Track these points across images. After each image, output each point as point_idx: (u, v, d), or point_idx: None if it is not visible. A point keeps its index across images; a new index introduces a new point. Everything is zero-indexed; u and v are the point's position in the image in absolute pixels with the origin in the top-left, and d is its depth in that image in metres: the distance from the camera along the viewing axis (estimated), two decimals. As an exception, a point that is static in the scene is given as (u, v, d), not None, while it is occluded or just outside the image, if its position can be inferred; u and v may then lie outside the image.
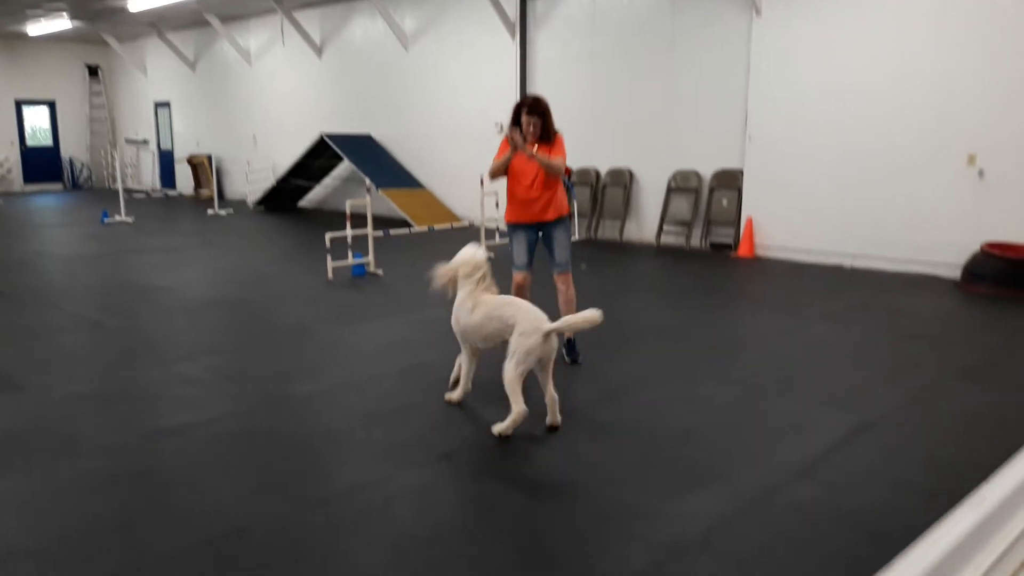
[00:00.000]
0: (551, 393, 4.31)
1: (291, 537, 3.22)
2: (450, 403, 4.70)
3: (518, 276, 5.62)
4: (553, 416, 4.32)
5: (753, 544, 3.13)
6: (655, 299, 8.23)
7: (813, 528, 3.26)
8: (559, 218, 5.57)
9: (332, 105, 16.43)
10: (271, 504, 3.49)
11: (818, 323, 6.83)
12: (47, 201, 19.19)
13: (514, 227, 5.61)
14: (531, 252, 5.62)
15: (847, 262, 9.57)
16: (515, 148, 5.36)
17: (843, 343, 6.22)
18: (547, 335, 4.19)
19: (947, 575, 1.54)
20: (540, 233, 5.61)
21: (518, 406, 4.13)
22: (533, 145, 5.39)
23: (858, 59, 9.25)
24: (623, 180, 11.95)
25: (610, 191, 12.12)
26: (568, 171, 12.52)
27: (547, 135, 5.41)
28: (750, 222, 10.37)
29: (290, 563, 3.03)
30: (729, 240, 10.86)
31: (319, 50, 16.46)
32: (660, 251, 11.12)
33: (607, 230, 12.27)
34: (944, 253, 8.77)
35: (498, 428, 4.19)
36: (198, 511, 3.43)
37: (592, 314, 4.15)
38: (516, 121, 5.40)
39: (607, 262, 10.28)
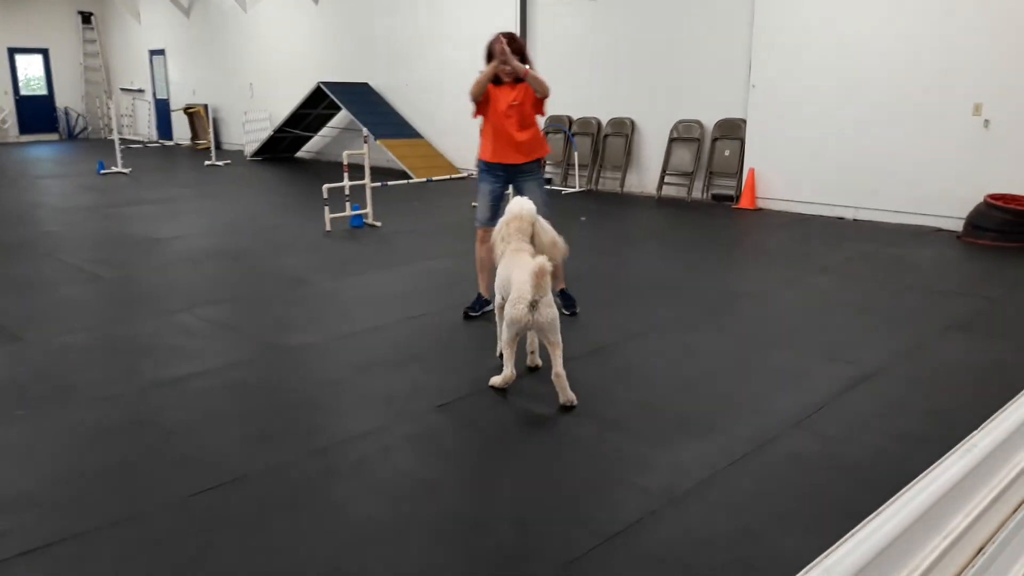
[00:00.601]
0: (556, 369, 3.94)
1: (289, 485, 3.25)
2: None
3: (481, 232, 5.30)
4: (564, 394, 3.96)
5: (747, 493, 3.15)
6: (655, 251, 8.20)
7: (808, 478, 3.28)
8: (536, 160, 5.37)
9: (329, 53, 16.19)
10: (270, 453, 3.51)
11: (819, 275, 6.81)
12: (43, 152, 19.02)
13: (486, 169, 5.38)
14: (496, 205, 5.30)
15: (849, 214, 9.51)
16: (504, 70, 5.10)
17: (843, 295, 6.21)
18: (532, 305, 3.85)
19: (937, 521, 1.54)
20: (510, 184, 5.38)
21: (507, 369, 4.11)
22: (514, 85, 5.18)
23: (863, 6, 9.06)
24: (624, 130, 11.82)
25: (611, 141, 11.99)
26: (569, 121, 12.41)
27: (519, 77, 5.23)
28: (752, 173, 10.28)
29: (288, 511, 3.05)
30: (731, 191, 10.78)
31: (316, -3, 16.16)
32: (661, 203, 11.05)
33: (608, 182, 12.18)
34: (947, 205, 8.70)
35: (492, 381, 4.19)
36: (197, 460, 3.45)
37: (553, 253, 4.25)
38: (488, 59, 5.22)
39: (607, 214, 10.22)
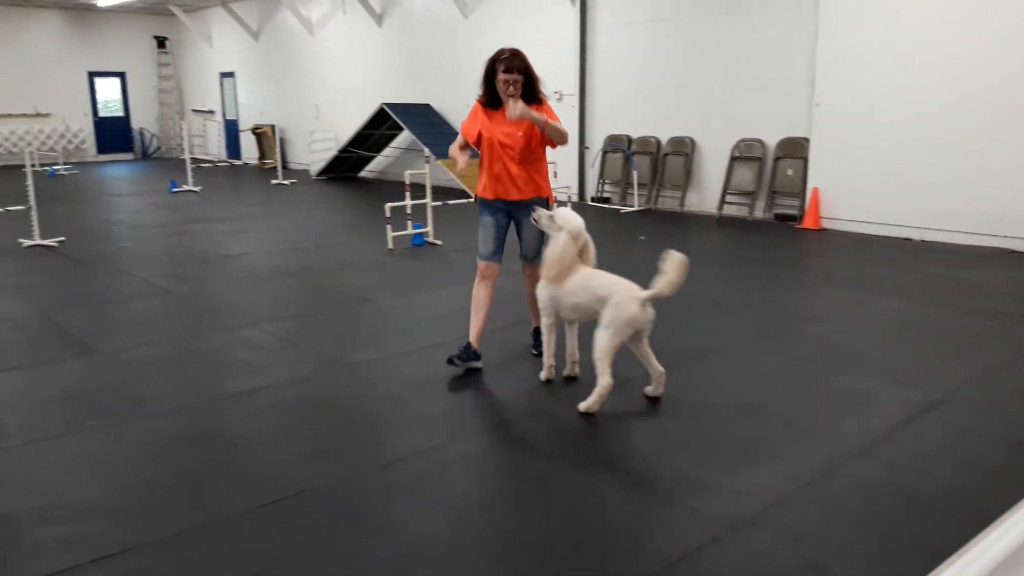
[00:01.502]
0: (657, 367, 4.29)
1: (349, 501, 3.28)
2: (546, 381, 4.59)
3: (482, 266, 4.86)
4: (658, 387, 4.32)
5: (811, 522, 3.07)
6: (716, 271, 8.09)
7: (875, 507, 3.19)
8: (536, 198, 4.76)
9: (392, 74, 16.47)
10: (330, 468, 3.56)
11: (885, 297, 6.63)
12: (119, 170, 19.75)
13: (484, 204, 4.86)
14: (500, 238, 4.84)
15: (917, 235, 9.25)
16: (507, 111, 4.55)
17: (911, 318, 6.03)
18: (644, 303, 4.13)
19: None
20: (512, 217, 4.86)
21: (605, 378, 4.07)
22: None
23: (930, 22, 8.85)
24: (684, 149, 11.74)
25: (671, 160, 11.92)
26: (628, 140, 12.37)
27: (532, 96, 4.53)
28: (816, 192, 10.09)
29: (348, 526, 3.08)
30: (794, 211, 10.59)
31: (379, 19, 16.48)
32: (722, 222, 10.92)
33: (667, 200, 12.09)
34: (1021, 226, 8.40)
35: (584, 405, 4.12)
36: (260, 474, 3.52)
37: (680, 257, 4.06)
38: (489, 81, 4.59)
39: (667, 233, 10.14)
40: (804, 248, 9.13)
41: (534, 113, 4.41)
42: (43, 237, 9.15)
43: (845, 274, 7.72)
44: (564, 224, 4.33)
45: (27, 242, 9.07)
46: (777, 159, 10.67)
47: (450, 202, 10.95)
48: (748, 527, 3.03)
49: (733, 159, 11.13)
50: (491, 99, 4.65)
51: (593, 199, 12.93)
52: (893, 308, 6.31)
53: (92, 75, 22.20)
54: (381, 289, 7.04)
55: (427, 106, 15.52)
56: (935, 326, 5.81)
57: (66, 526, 3.08)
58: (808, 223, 10.11)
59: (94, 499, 3.30)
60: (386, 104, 14.79)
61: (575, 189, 12.89)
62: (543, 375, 4.61)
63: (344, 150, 16.36)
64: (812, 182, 10.18)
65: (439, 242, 9.17)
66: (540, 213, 4.44)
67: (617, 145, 12.48)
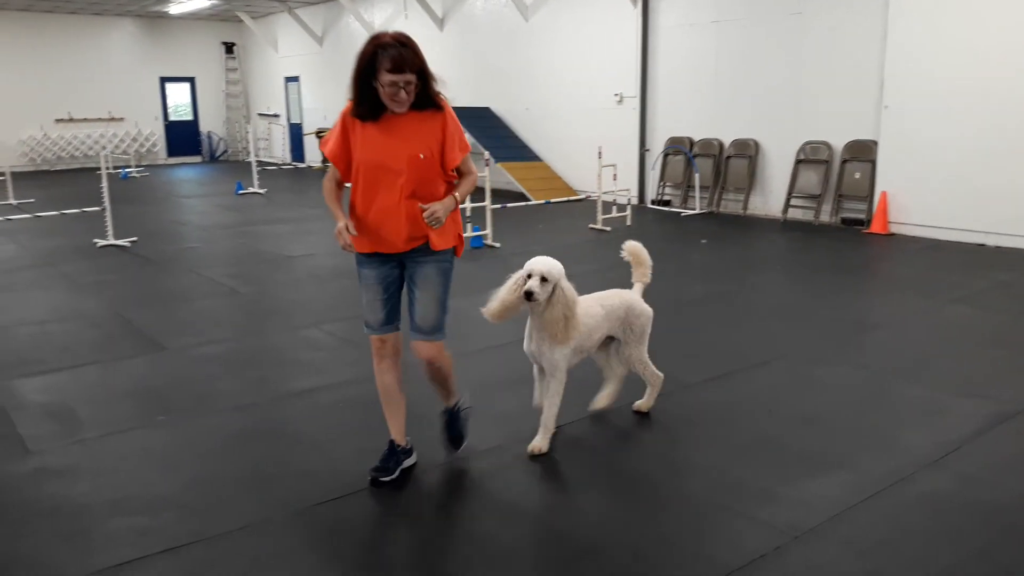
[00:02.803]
0: (634, 373, 4.15)
1: (408, 499, 3.33)
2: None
3: (375, 342, 3.51)
4: (608, 399, 4.16)
5: (878, 534, 2.99)
6: (780, 276, 7.96)
7: (945, 521, 3.09)
8: (443, 252, 3.39)
9: (453, 78, 16.53)
10: (390, 467, 3.60)
11: (955, 305, 6.42)
12: (187, 173, 20.32)
13: (361, 259, 3.45)
14: (393, 298, 3.48)
15: (990, 240, 8.93)
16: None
17: (982, 327, 5.83)
18: None
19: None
20: (404, 268, 3.45)
21: (657, 375, 4.13)
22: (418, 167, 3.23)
23: (1003, 22, 8.54)
24: (748, 151, 11.56)
25: (734, 163, 11.75)
26: (689, 142, 12.24)
27: (427, 100, 3.28)
28: (884, 196, 9.83)
29: (407, 524, 3.13)
30: (861, 215, 10.33)
31: (440, 22, 16.64)
32: (787, 226, 10.72)
33: (730, 204, 11.93)
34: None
35: (644, 405, 4.17)
36: (322, 470, 3.58)
37: (636, 244, 4.12)
38: (365, 82, 3.21)
39: (729, 237, 10.00)
40: (871, 253, 8.91)
41: (449, 203, 3.26)
42: (116, 237, 9.47)
43: (914, 280, 7.51)
44: (560, 275, 3.57)
45: (101, 242, 9.40)
46: (844, 162, 10.43)
47: (509, 205, 11.00)
48: (812, 537, 2.97)
49: (798, 162, 10.92)
50: (368, 107, 3.24)
51: (653, 202, 12.83)
52: (963, 316, 6.11)
53: (163, 80, 22.89)
54: (440, 291, 7.09)
55: (487, 109, 15.61)
56: (1008, 335, 5.61)
57: (138, 517, 3.19)
58: (876, 227, 9.86)
59: (164, 492, 3.41)
60: (446, 107, 14.92)
61: (635, 192, 12.81)
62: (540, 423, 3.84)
63: (405, 153, 16.55)
64: (880, 186, 9.92)
65: (497, 244, 9.21)
66: (532, 287, 3.47)
67: (679, 147, 12.36)
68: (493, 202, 9.47)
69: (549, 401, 3.73)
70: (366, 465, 3.59)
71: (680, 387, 4.53)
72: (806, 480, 3.43)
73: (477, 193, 9.42)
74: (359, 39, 19.16)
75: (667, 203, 12.63)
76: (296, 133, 22.59)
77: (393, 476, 3.45)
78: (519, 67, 15.04)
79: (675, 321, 6.12)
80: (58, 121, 20.83)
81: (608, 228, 10.26)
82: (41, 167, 20.52)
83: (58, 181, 17.48)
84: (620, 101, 13.15)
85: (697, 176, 11.79)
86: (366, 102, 3.24)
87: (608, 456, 3.75)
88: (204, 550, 2.95)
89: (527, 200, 12.92)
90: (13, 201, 12.96)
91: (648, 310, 4.08)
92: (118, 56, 21.69)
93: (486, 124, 15.10)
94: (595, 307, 3.87)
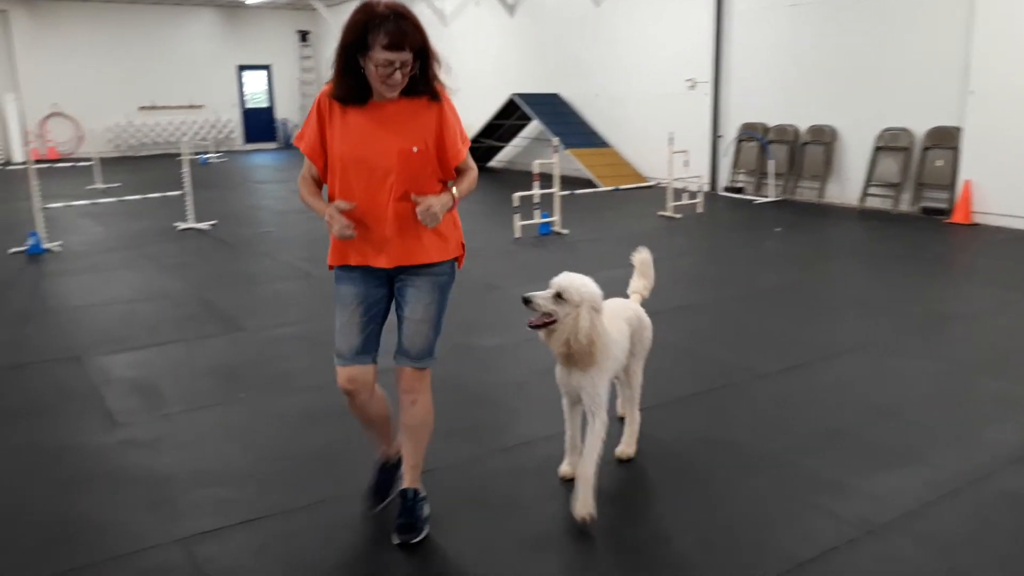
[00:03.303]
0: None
1: (476, 481, 3.38)
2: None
3: (344, 376, 2.91)
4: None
5: (957, 531, 2.91)
6: (856, 266, 7.75)
7: (1028, 520, 2.99)
8: (441, 263, 2.95)
9: (522, 64, 16.60)
10: (458, 448, 3.66)
11: (1045, 298, 6.17)
12: (263, 159, 20.83)
13: (340, 275, 2.93)
14: (372, 322, 2.91)
15: (1084, 231, 8.54)
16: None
17: (1075, 321, 5.59)
18: None
19: None
20: (391, 286, 2.93)
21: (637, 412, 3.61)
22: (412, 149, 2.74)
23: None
24: (825, 138, 11.26)
25: (810, 149, 11.47)
26: (764, 128, 11.99)
27: (424, 86, 2.74)
28: (968, 185, 9.47)
29: (476, 505, 3.18)
30: (943, 204, 9.97)
31: (511, 9, 16.63)
32: (864, 214, 10.42)
33: (805, 191, 11.65)
34: None
35: (626, 450, 3.59)
36: (393, 450, 3.66)
37: (647, 257, 3.72)
38: (350, 61, 2.68)
39: (804, 225, 9.78)
40: (953, 244, 8.60)
41: (446, 199, 2.84)
42: (196, 221, 9.79)
43: (997, 272, 7.23)
44: (582, 299, 2.99)
45: (182, 225, 9.73)
46: (925, 149, 10.07)
47: (577, 192, 10.97)
48: (886, 531, 2.91)
49: (877, 149, 10.59)
50: (353, 90, 2.71)
51: (726, 189, 12.62)
52: (1053, 310, 5.87)
53: (240, 68, 23.47)
54: (508, 276, 7.14)
55: (556, 96, 15.56)
56: (1102, 330, 5.36)
57: (219, 489, 3.32)
58: (958, 217, 9.51)
59: (243, 466, 3.54)
60: (516, 95, 14.93)
61: (707, 179, 12.62)
62: (565, 468, 3.36)
63: (474, 140, 16.64)
64: (964, 174, 9.56)
65: (565, 231, 9.20)
66: (538, 303, 3.00)
67: (752, 134, 12.12)
68: (562, 189, 9.46)
69: (590, 445, 3.03)
70: (438, 447, 3.64)
71: (752, 377, 4.47)
72: (881, 474, 3.35)
73: (545, 180, 9.44)
74: (431, 26, 19.18)
75: (740, 190, 12.41)
76: (368, 120, 22.91)
77: (382, 505, 3.08)
78: (589, 53, 14.94)
79: (748, 310, 6.04)
80: (142, 109, 21.58)
81: (678, 215, 10.14)
82: (126, 153, 21.30)
83: (142, 166, 18.13)
84: (692, 86, 12.96)
85: (771, 163, 11.55)
86: (351, 83, 2.70)
87: (675, 445, 3.74)
88: (280, 523, 3.05)
89: (595, 187, 12.86)
90: (100, 185, 13.51)
91: (648, 321, 3.61)
92: (198, 45, 22.32)
93: (555, 111, 15.07)
94: (621, 324, 3.33)
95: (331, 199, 2.79)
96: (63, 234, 9.11)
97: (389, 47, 2.58)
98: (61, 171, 15.91)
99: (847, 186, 11.12)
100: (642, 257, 3.79)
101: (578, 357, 2.96)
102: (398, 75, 2.62)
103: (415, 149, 2.74)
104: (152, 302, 6.41)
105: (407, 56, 2.61)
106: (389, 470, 3.17)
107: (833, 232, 9.49)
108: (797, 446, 3.65)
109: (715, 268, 7.71)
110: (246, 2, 21.34)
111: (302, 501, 3.21)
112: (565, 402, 3.27)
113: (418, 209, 2.70)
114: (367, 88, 2.70)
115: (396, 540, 2.89)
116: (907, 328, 5.47)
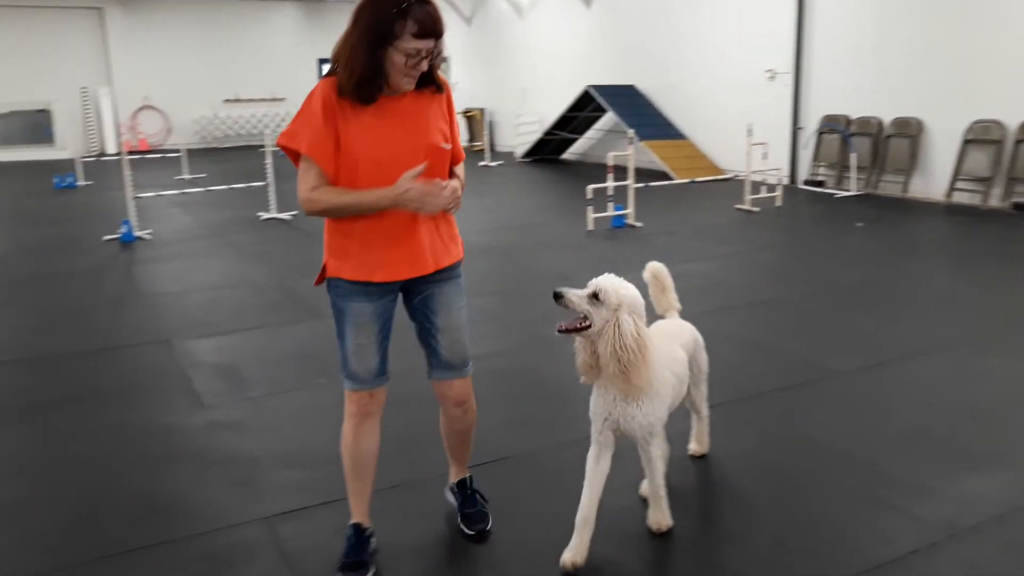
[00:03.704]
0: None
1: (548, 470, 3.41)
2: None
3: (360, 399, 2.81)
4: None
5: (1047, 538, 2.81)
6: (941, 262, 7.49)
7: (1126, 530, 2.87)
8: (453, 264, 2.78)
9: (597, 56, 16.51)
10: (530, 438, 3.71)
11: None
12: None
13: (355, 290, 2.66)
14: (386, 343, 2.84)
15: None
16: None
17: None
18: None
19: None
20: (410, 298, 2.81)
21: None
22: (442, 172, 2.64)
23: None
24: (910, 130, 10.89)
25: (894, 142, 11.10)
26: (847, 121, 11.65)
27: (429, 76, 2.58)
28: (1066, 179, 9.03)
29: (547, 493, 3.22)
30: (1037, 200, 9.55)
31: (588, 0, 16.54)
32: (950, 210, 10.04)
33: (888, 186, 11.29)
34: None
35: (700, 447, 3.55)
36: (467, 438, 3.72)
37: (660, 266, 3.35)
38: (373, 49, 2.40)
39: (887, 220, 9.48)
40: (1048, 241, 8.23)
41: (457, 184, 2.64)
42: (278, 211, 10.07)
43: (1098, 271, 6.89)
44: (620, 302, 2.64)
45: (264, 215, 10.03)
46: (1018, 142, 9.64)
47: (652, 184, 10.88)
48: (970, 535, 2.83)
49: (966, 142, 10.19)
50: (372, 85, 2.47)
51: (806, 182, 12.33)
52: None
53: (321, 62, 23.96)
54: (581, 269, 7.14)
55: (631, 87, 15.43)
56: None
57: (300, 471, 3.44)
58: (1054, 213, 9.09)
59: (323, 449, 3.64)
60: (591, 86, 14.86)
61: (787, 171, 12.34)
62: (568, 557, 2.75)
63: (548, 132, 16.64)
64: (1062, 167, 9.12)
65: (639, 224, 9.14)
66: (570, 298, 2.62)
67: (834, 126, 11.79)
68: (636, 181, 9.39)
69: (654, 467, 2.84)
70: (510, 436, 3.69)
71: (833, 375, 4.39)
72: (966, 476, 3.25)
73: (620, 172, 9.39)
74: (507, 19, 19.42)
75: (820, 184, 12.10)
76: (443, 112, 23.15)
77: (372, 572, 2.70)
78: (666, 44, 14.77)
79: (828, 307, 5.91)
80: (226, 101, 22.26)
81: (756, 208, 9.96)
82: (211, 144, 22.01)
83: (225, 157, 18.72)
84: (772, 77, 12.68)
85: (854, 156, 11.23)
86: (369, 76, 2.43)
87: (752, 443, 3.69)
88: (358, 505, 3.14)
89: (670, 179, 12.72)
90: (187, 176, 14.01)
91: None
92: (280, 39, 22.89)
93: (631, 102, 14.95)
94: (678, 350, 3.06)
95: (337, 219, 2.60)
96: (153, 222, 9.50)
97: (420, 35, 2.38)
98: (151, 162, 16.58)
99: (933, 180, 10.73)
100: (654, 269, 3.41)
101: (630, 370, 2.60)
102: (424, 64, 2.47)
103: (445, 145, 2.60)
104: (236, 289, 6.64)
105: (434, 45, 2.44)
106: (367, 538, 2.78)
107: (918, 227, 9.18)
108: (877, 445, 3.57)
109: (794, 263, 7.56)
110: (326, -3, 21.79)
111: (379, 484, 3.26)
112: (593, 451, 2.83)
113: (444, 193, 2.51)
114: (383, 81, 2.47)
115: (469, 531, 2.93)
116: (996, 327, 5.27)
